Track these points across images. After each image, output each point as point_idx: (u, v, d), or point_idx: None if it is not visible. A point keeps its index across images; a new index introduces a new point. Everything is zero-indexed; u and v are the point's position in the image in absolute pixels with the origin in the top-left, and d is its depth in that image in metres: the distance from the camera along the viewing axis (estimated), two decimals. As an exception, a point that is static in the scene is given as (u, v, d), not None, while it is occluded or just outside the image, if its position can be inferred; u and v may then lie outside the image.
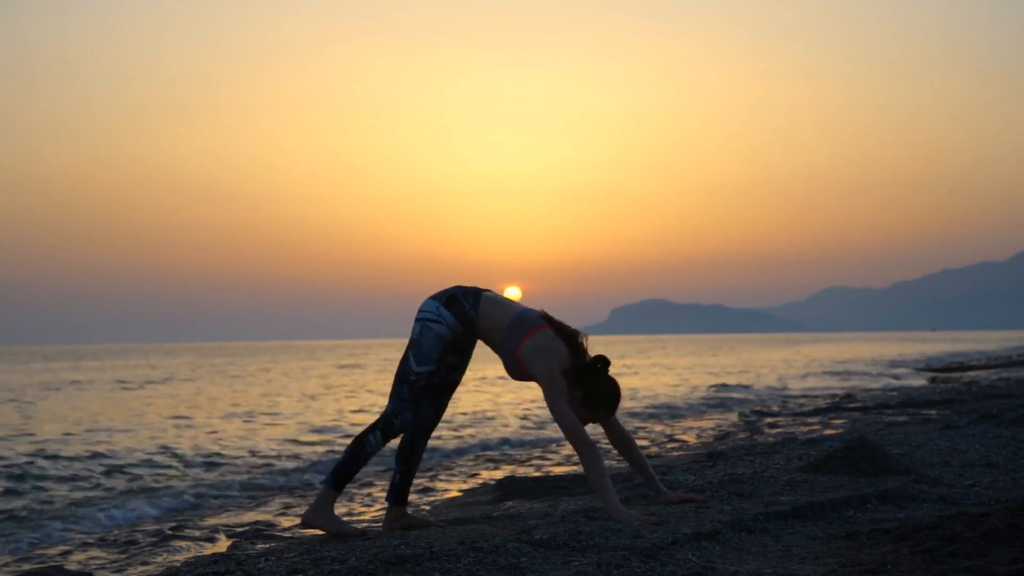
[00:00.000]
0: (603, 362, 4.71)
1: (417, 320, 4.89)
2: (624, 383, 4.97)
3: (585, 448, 4.55)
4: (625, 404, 19.43)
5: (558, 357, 4.65)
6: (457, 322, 4.78)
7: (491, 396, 22.77)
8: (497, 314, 4.78)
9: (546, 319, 4.77)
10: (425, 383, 4.80)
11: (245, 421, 17.72)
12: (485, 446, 13.29)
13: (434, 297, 4.86)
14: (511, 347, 4.71)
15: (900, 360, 43.61)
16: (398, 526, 4.94)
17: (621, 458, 5.09)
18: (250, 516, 8.17)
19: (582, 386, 4.67)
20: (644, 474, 5.03)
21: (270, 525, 7.57)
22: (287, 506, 8.66)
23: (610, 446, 5.06)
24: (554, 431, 14.66)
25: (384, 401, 21.74)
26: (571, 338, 4.73)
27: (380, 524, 7.17)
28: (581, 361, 4.73)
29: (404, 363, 4.83)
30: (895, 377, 29.34)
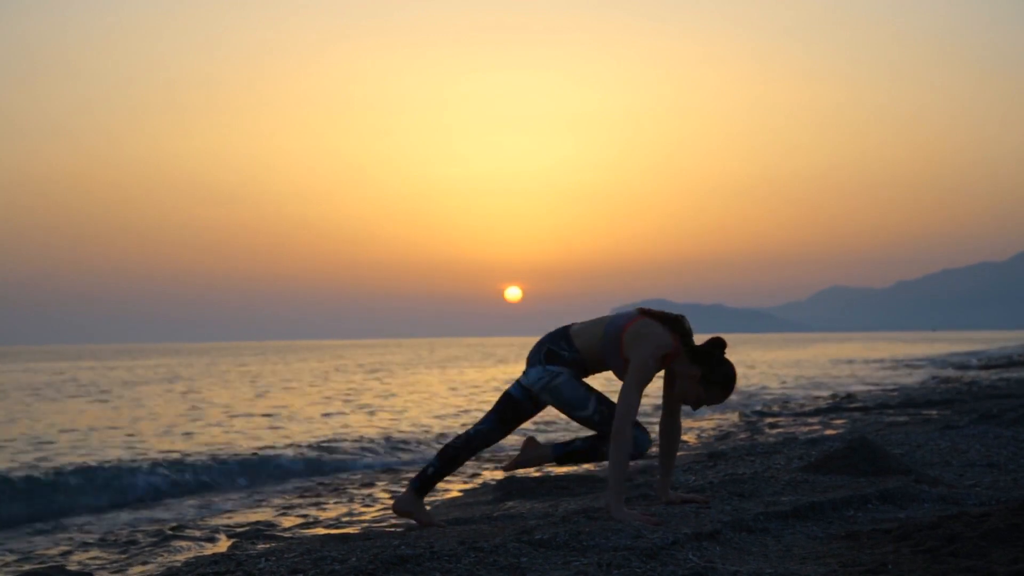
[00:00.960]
0: (720, 344, 4.73)
1: (539, 391, 4.85)
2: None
3: (621, 440, 4.56)
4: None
5: (655, 343, 4.64)
6: (569, 371, 4.81)
7: (491, 397, 22.76)
8: (592, 334, 4.80)
9: (642, 312, 4.78)
10: (603, 415, 4.80)
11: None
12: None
13: (533, 365, 4.86)
14: (614, 353, 4.73)
15: (901, 360, 43.61)
16: (404, 510, 5.01)
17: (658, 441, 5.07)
18: (251, 516, 8.17)
19: (700, 364, 4.69)
20: (665, 465, 5.04)
21: (271, 525, 7.56)
22: (288, 506, 8.66)
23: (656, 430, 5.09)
24: (553, 432, 14.65)
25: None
26: (675, 322, 4.72)
27: (381, 525, 7.18)
28: (690, 342, 4.74)
29: (567, 408, 4.84)
30: (894, 377, 29.33)
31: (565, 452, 4.94)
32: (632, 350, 4.65)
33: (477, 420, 5.34)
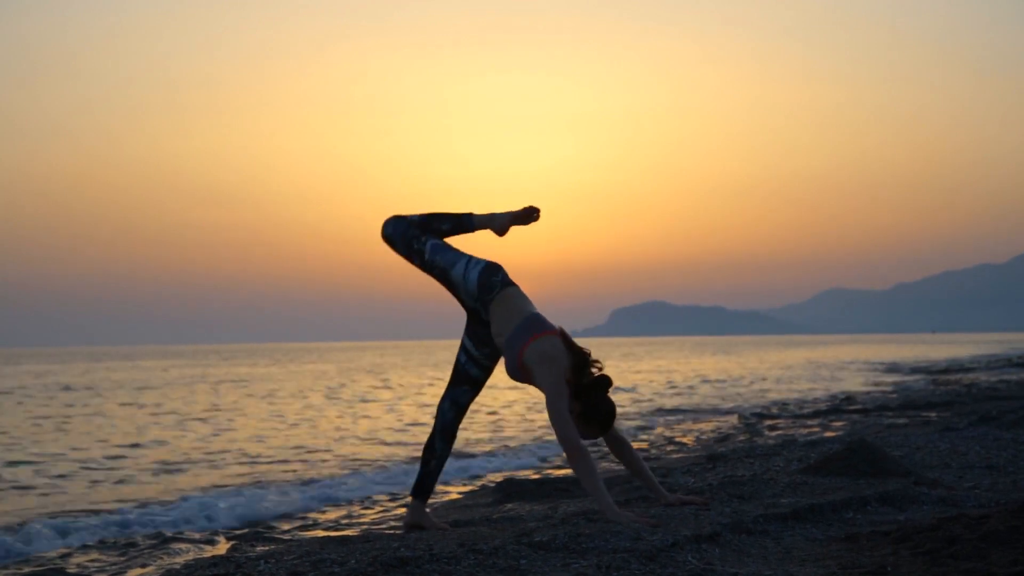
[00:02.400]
0: (603, 384, 4.69)
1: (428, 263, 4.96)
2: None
3: (578, 454, 4.55)
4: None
5: (562, 365, 4.64)
6: (476, 280, 4.83)
7: (490, 398, 22.76)
8: (514, 305, 4.80)
9: (561, 331, 4.76)
10: (415, 246, 4.90)
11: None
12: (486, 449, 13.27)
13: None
14: (517, 345, 4.71)
15: (901, 363, 43.63)
16: (410, 521, 4.99)
17: (618, 461, 5.07)
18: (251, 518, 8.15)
19: (582, 401, 4.65)
20: (640, 476, 5.01)
21: (270, 527, 7.56)
22: (286, 507, 8.65)
23: (607, 450, 5.06)
24: (548, 428, 14.65)
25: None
26: (581, 358, 4.68)
27: (380, 527, 7.18)
28: (581, 377, 4.70)
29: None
30: (894, 379, 29.33)
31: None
32: (541, 365, 4.62)
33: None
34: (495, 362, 4.99)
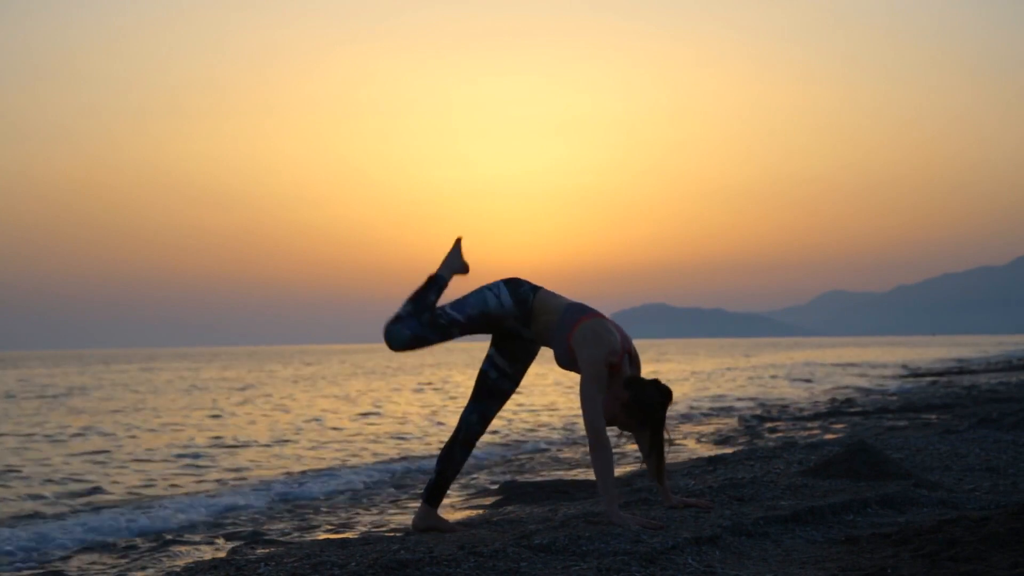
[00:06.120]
0: (662, 389, 4.65)
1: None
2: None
3: (600, 445, 4.54)
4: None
5: (610, 347, 4.61)
6: (511, 300, 4.82)
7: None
8: (553, 303, 4.80)
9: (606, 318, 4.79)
10: (444, 323, 4.82)
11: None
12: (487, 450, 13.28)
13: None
14: (565, 330, 4.68)
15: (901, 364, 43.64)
16: (424, 526, 4.99)
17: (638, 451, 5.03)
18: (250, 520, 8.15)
19: (633, 390, 4.62)
20: (656, 473, 4.96)
21: (270, 530, 7.56)
22: (287, 509, 8.64)
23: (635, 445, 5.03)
24: (548, 432, 14.65)
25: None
26: (629, 342, 4.72)
27: (380, 530, 7.17)
28: (636, 370, 4.73)
29: (441, 311, 4.88)
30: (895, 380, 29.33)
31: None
32: (585, 346, 4.60)
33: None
34: (523, 374, 5.01)
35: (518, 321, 4.83)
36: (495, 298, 4.82)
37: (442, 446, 5.06)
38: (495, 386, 4.95)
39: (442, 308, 4.90)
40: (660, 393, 4.65)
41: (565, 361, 4.73)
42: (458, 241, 5.17)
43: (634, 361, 4.77)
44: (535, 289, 4.86)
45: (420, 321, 4.87)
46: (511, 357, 4.94)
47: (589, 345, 4.61)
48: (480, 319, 4.84)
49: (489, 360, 4.97)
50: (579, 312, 4.72)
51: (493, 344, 4.96)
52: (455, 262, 5.12)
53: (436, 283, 5.01)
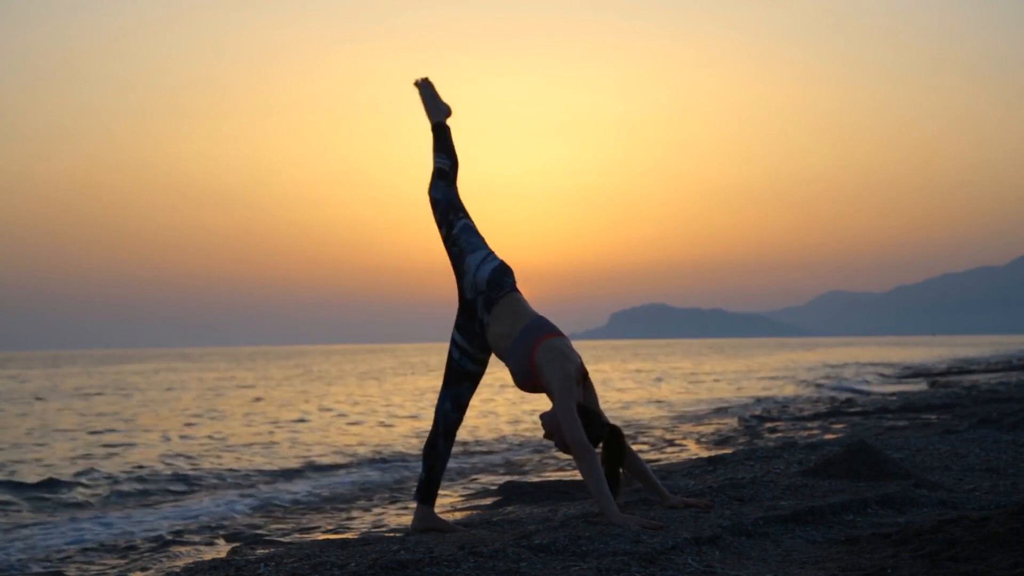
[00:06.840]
0: (613, 431, 4.65)
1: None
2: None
3: (584, 454, 4.54)
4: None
5: (574, 363, 4.64)
6: (486, 276, 4.85)
7: (489, 398, 22.77)
8: (517, 313, 4.80)
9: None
10: (453, 219, 4.96)
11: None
12: (486, 451, 13.28)
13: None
14: (527, 346, 4.69)
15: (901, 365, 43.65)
16: (423, 527, 4.98)
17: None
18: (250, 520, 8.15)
19: (586, 418, 4.61)
20: (641, 477, 4.98)
21: (270, 530, 7.56)
22: (287, 511, 8.65)
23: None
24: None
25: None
26: (585, 370, 4.72)
27: (380, 530, 7.17)
28: (590, 399, 4.71)
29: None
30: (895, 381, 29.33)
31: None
32: (555, 361, 4.62)
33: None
34: (489, 355, 4.97)
35: (475, 295, 4.86)
36: (480, 259, 4.90)
37: (423, 444, 5.05)
38: (459, 367, 4.93)
39: (464, 216, 5.01)
40: (609, 432, 4.64)
41: (523, 378, 4.72)
42: (426, 83, 5.23)
43: (588, 384, 4.75)
44: (514, 289, 4.88)
45: (453, 200, 5.02)
46: (471, 336, 4.92)
47: (558, 361, 4.62)
48: (456, 252, 4.94)
49: (452, 342, 4.97)
50: (545, 329, 4.73)
51: (456, 327, 4.97)
52: (439, 104, 5.21)
53: (445, 130, 5.15)
